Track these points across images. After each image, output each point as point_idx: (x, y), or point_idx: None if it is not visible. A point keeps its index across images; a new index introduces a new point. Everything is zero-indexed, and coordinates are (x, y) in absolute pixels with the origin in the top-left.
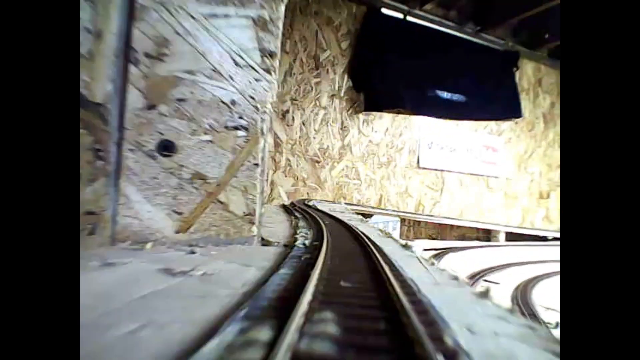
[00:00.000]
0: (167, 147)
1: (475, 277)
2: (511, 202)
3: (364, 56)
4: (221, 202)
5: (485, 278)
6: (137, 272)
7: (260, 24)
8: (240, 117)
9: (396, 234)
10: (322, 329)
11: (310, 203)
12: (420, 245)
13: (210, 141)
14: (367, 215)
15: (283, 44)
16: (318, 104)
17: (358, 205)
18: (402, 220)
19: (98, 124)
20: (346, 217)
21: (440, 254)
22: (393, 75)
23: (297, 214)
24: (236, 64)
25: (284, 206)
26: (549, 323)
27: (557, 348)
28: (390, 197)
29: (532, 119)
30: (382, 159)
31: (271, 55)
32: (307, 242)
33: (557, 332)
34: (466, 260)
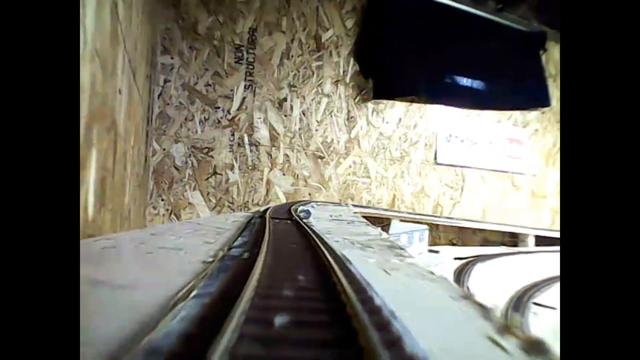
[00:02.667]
0: None
1: (521, 300)
2: (539, 202)
3: (372, 37)
4: None
5: (535, 300)
6: None
7: None
8: None
9: (424, 247)
10: None
11: (301, 208)
12: (448, 254)
13: None
14: (380, 220)
15: (279, 22)
16: (320, 91)
17: (368, 208)
18: (419, 223)
19: None
20: (357, 237)
21: (468, 264)
22: (405, 58)
23: (243, 241)
24: None
25: (259, 213)
26: None
27: None
28: (405, 198)
29: (559, 107)
30: (395, 154)
31: None
32: None
33: None
34: (500, 272)
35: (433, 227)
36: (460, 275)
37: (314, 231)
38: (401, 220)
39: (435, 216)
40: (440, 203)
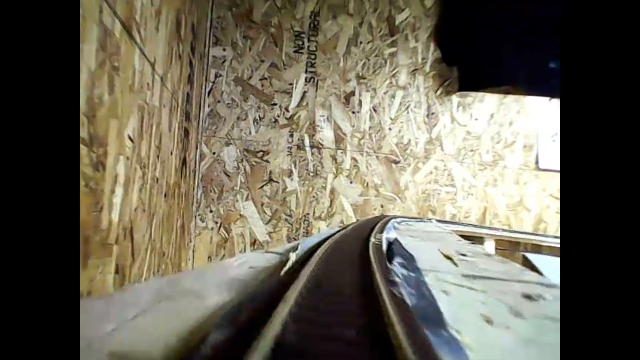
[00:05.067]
0: None
1: None
2: None
3: (457, 15)
4: None
5: None
6: None
7: None
8: None
9: None
10: None
11: (385, 238)
12: None
13: None
14: (469, 240)
15: (345, 3)
16: (394, 82)
17: (454, 224)
18: (516, 244)
19: None
20: None
21: None
22: (498, 40)
23: None
24: None
25: (282, 276)
26: None
27: None
28: (498, 211)
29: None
30: (486, 158)
31: None
32: None
33: None
34: None
35: (534, 249)
36: None
37: None
38: (496, 240)
39: (539, 235)
40: (543, 218)
